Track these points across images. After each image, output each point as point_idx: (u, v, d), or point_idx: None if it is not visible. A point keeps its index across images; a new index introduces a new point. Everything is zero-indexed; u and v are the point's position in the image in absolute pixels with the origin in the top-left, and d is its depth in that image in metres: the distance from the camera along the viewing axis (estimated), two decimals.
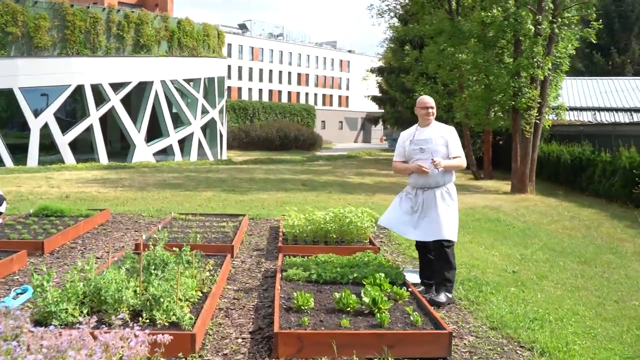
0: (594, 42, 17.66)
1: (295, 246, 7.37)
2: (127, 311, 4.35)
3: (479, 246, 8.74)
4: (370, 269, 5.83)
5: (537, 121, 17.01)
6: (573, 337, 4.80)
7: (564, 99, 26.16)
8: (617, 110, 28.41)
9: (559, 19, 16.67)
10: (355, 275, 5.72)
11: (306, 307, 4.77)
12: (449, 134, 5.81)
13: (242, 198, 13.84)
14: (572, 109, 27.64)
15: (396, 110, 31.30)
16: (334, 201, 13.86)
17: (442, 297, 5.58)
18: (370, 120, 40.40)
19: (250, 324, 4.88)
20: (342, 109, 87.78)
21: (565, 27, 17.05)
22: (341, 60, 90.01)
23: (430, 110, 5.84)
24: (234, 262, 7.11)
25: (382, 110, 48.87)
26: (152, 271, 4.83)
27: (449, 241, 5.63)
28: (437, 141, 5.74)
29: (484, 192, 17.06)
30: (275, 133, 47.20)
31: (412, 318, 4.58)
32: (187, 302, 4.67)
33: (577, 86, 31.00)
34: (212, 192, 15.01)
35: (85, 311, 4.33)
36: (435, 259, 5.75)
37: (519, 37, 16.93)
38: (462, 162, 5.82)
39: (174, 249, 5.31)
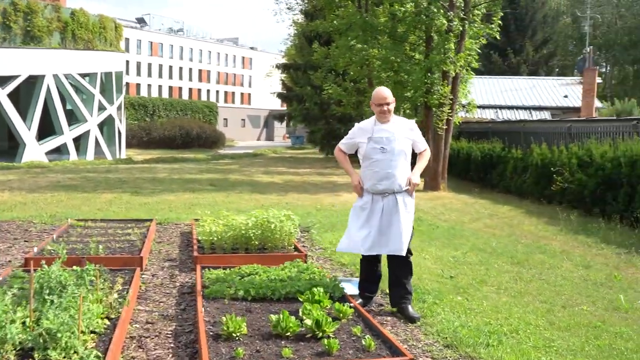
0: (498, 38, 17.84)
1: (213, 255, 6.56)
2: (14, 351, 3.45)
3: None
4: (304, 282, 5.15)
5: (449, 118, 16.94)
6: (536, 353, 4.34)
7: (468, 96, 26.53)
8: (517, 108, 29.25)
9: (470, 16, 16.67)
10: (288, 289, 5.03)
11: (238, 334, 4.02)
12: (413, 130, 5.24)
13: (147, 200, 12.79)
14: (465, 106, 28.17)
15: (304, 107, 30.76)
16: (246, 202, 13.09)
17: (415, 311, 5.13)
18: (277, 117, 39.66)
19: (170, 356, 4.08)
20: (244, 107, 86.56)
21: (476, 24, 17.08)
22: (243, 57, 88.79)
23: (386, 107, 5.10)
24: (143, 275, 6.22)
25: (285, 108, 48.42)
26: (47, 297, 3.91)
27: (409, 250, 5.15)
28: (401, 141, 5.10)
29: None
30: (177, 131, 45.53)
31: (363, 342, 3.94)
32: (92, 335, 3.81)
33: (478, 85, 31.67)
34: (113, 194, 13.83)
35: None
36: (397, 270, 5.19)
37: (430, 34, 16.78)
38: (429, 153, 5.35)
39: (74, 267, 4.40)
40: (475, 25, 17.13)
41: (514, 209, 12.74)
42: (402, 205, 5.07)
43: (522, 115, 28.72)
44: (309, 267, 5.75)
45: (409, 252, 5.15)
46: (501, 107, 29.42)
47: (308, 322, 4.07)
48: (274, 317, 4.13)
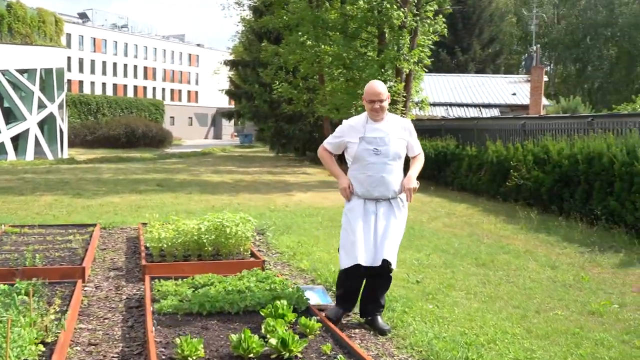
0: (446, 35, 17.73)
1: (164, 264, 6.05)
2: None
3: None
4: (265, 294, 4.72)
5: (403, 115, 16.72)
6: None
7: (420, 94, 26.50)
8: (467, 105, 29.41)
9: (422, 12, 16.51)
10: (247, 302, 4.58)
11: (195, 357, 3.56)
12: (409, 130, 4.74)
13: (90, 203, 12.08)
14: (418, 103, 28.18)
15: (253, 105, 30.16)
16: (196, 203, 12.54)
17: (385, 322, 4.72)
18: (225, 115, 38.91)
19: None
20: (191, 105, 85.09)
21: (428, 21, 16.93)
22: (190, 54, 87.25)
23: (379, 105, 4.55)
24: (86, 288, 5.67)
25: (233, 106, 47.60)
26: None
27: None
28: (396, 142, 4.58)
29: None
30: (122, 129, 44.22)
31: None
32: None
33: (428, 82, 31.72)
34: (54, 196, 13.05)
35: None
36: (375, 283, 4.74)
37: (383, 30, 16.53)
38: (423, 157, 4.89)
39: (2, 285, 3.85)
40: (427, 22, 16.98)
41: (470, 207, 12.57)
42: (398, 212, 4.63)
43: (472, 112, 28.88)
44: (269, 275, 5.31)
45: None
46: (451, 105, 29.52)
47: (273, 341, 3.64)
48: (234, 336, 3.69)
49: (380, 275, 4.66)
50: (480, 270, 7.01)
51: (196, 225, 6.28)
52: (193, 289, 4.91)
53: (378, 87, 4.63)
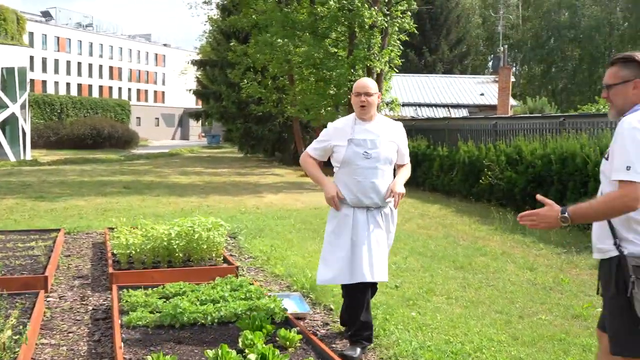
0: (416, 32, 17.65)
1: (132, 272, 5.76)
2: None
3: None
4: (240, 304, 4.47)
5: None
6: None
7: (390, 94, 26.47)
8: (435, 105, 29.46)
9: (393, 12, 16.40)
10: (223, 313, 4.34)
11: None
12: (400, 135, 4.37)
13: (54, 206, 11.66)
14: (388, 104, 28.17)
15: (221, 105, 29.72)
16: (164, 206, 12.21)
17: (357, 351, 4.17)
18: (193, 116, 38.35)
19: None
20: (158, 105, 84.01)
21: (398, 21, 16.82)
22: (156, 54, 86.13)
23: (365, 98, 4.14)
24: (49, 298, 5.35)
25: (200, 106, 46.97)
26: None
27: None
28: (387, 145, 4.21)
29: (322, 190, 16.24)
30: (87, 130, 43.30)
31: None
32: None
33: (397, 83, 31.70)
34: (15, 199, 12.57)
35: None
36: (362, 300, 4.41)
37: (354, 29, 16.37)
38: (410, 168, 4.55)
39: None
40: (397, 21, 16.88)
41: (443, 208, 12.47)
42: (391, 224, 4.36)
43: (441, 112, 28.95)
44: (243, 283, 5.07)
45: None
46: (420, 105, 29.54)
47: (252, 356, 3.41)
48: (210, 352, 3.44)
49: (366, 287, 4.32)
50: (459, 274, 6.86)
51: (166, 231, 5.99)
52: (164, 299, 4.64)
53: (366, 80, 4.33)
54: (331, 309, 5.32)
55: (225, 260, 6.33)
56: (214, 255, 6.27)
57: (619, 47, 51.75)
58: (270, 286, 6.06)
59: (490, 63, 52.57)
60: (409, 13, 17.06)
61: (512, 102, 31.23)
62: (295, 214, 11.39)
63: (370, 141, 4.16)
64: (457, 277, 6.67)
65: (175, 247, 5.90)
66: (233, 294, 4.76)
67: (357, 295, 4.29)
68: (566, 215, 2.63)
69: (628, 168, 2.55)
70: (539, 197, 2.77)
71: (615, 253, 2.69)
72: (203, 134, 75.49)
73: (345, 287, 4.30)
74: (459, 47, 44.56)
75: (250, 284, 5.13)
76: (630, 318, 2.60)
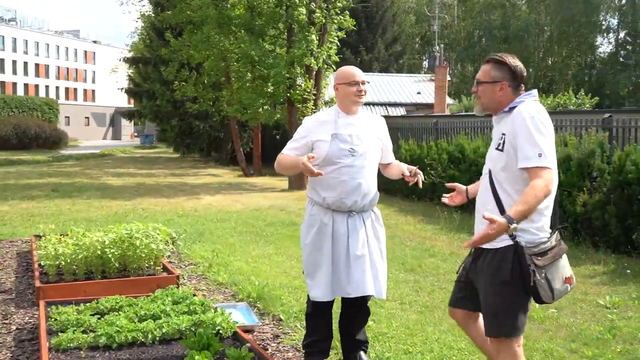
0: (354, 29, 17.47)
1: (62, 284, 5.26)
2: None
3: (290, 260, 7.38)
4: (184, 319, 4.08)
5: (313, 114, 16.32)
6: None
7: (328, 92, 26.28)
8: (373, 104, 29.45)
9: (331, 8, 16.17)
10: (165, 330, 3.94)
11: None
12: (384, 131, 3.94)
13: None
14: (328, 102, 28.01)
15: (155, 104, 28.81)
16: (96, 210, 11.59)
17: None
18: (125, 115, 37.11)
19: None
20: (88, 104, 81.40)
21: (337, 18, 16.60)
22: (85, 51, 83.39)
23: (363, 88, 3.72)
24: None
25: (133, 105, 45.64)
26: None
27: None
28: (373, 141, 3.79)
29: (261, 190, 15.91)
30: (12, 130, 41.35)
31: None
32: None
33: (333, 81, 31.59)
34: None
35: None
36: (353, 315, 4.00)
37: (292, 26, 16.03)
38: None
39: None
40: (336, 18, 16.65)
41: (386, 207, 12.29)
42: (379, 229, 3.88)
43: (379, 111, 28.96)
44: (186, 294, 4.67)
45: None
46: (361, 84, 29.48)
47: None
48: None
49: (353, 305, 3.94)
50: (409, 276, 6.66)
51: (100, 238, 5.52)
52: (98, 316, 4.21)
53: (356, 68, 3.81)
54: (280, 320, 5.00)
55: (165, 268, 5.89)
56: (152, 263, 5.82)
57: (547, 47, 53.45)
58: (214, 296, 5.68)
59: (426, 62, 53.27)
60: (347, 12, 16.88)
61: (449, 100, 31.61)
62: (236, 216, 11.00)
63: (356, 136, 3.71)
64: (408, 280, 6.46)
65: (110, 256, 5.43)
66: (175, 307, 4.37)
67: (326, 318, 3.94)
68: (515, 224, 2.66)
69: (540, 155, 2.73)
70: (486, 215, 2.68)
71: (508, 242, 2.83)
72: (136, 134, 73.70)
73: (314, 304, 3.87)
74: (394, 46, 44.85)
75: (194, 295, 4.75)
76: (520, 303, 2.89)
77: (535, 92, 2.99)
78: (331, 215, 3.72)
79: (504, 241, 2.84)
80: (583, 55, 54.15)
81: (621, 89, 48.52)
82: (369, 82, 3.89)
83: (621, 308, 5.57)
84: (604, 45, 73.68)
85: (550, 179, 2.76)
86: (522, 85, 3.00)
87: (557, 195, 2.95)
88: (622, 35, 53.28)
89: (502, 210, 2.85)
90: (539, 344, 4.57)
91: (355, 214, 3.73)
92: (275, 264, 7.07)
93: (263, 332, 4.70)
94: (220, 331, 4.00)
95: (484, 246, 2.92)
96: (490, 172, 3.00)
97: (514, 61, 2.97)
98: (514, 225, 2.65)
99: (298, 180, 16.02)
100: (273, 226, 9.90)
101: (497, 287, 2.89)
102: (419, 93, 31.87)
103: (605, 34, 54.59)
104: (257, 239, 8.77)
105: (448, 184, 3.46)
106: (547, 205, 2.90)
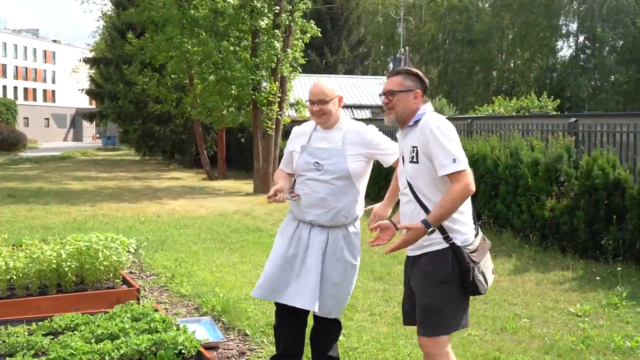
0: (319, 35, 17.32)
1: (12, 301, 4.94)
2: None
3: (255, 268, 7.16)
4: (144, 339, 3.84)
5: (279, 117, 16.12)
6: None
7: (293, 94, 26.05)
8: None
9: (294, 11, 15.99)
10: (123, 351, 3.70)
11: None
12: (370, 142, 3.68)
13: None
14: (293, 105, 27.80)
15: (117, 105, 28.19)
16: (54, 216, 11.21)
17: None
18: (87, 116, 36.23)
19: None
20: (48, 105, 79.65)
21: (300, 21, 16.42)
22: (45, 51, 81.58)
23: (318, 107, 3.59)
24: None
25: (94, 106, 44.72)
26: None
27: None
28: (347, 157, 3.59)
29: (226, 195, 15.64)
30: None
31: None
32: None
33: (298, 83, 31.33)
34: None
35: None
36: (320, 330, 3.86)
37: (256, 28, 15.77)
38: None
39: None
40: (299, 20, 16.46)
41: None
42: (345, 248, 3.68)
43: (344, 113, 28.86)
44: (147, 310, 4.42)
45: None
46: (317, 102, 29.32)
47: None
48: None
49: (320, 318, 3.78)
50: (378, 285, 6.52)
51: (56, 252, 5.22)
52: (51, 337, 3.94)
53: (321, 84, 3.67)
54: (247, 334, 4.80)
55: (125, 281, 5.61)
56: (111, 276, 5.54)
57: (509, 50, 54.16)
58: (176, 309, 5.45)
59: (391, 64, 53.47)
60: (312, 21, 16.73)
61: None
62: (200, 222, 10.75)
63: (325, 150, 3.62)
64: (377, 290, 6.32)
65: (66, 269, 5.14)
66: (135, 324, 4.11)
67: (294, 332, 3.82)
68: (432, 228, 2.90)
69: (454, 160, 2.93)
70: (400, 226, 3.08)
71: (444, 245, 3.01)
72: (98, 135, 72.46)
73: (276, 312, 3.84)
74: (359, 48, 44.92)
75: (155, 311, 4.49)
76: (460, 300, 3.06)
77: (430, 104, 3.20)
78: (296, 224, 3.72)
79: (439, 244, 3.02)
80: (545, 58, 55.08)
81: (582, 91, 49.43)
82: (329, 101, 3.63)
83: (592, 316, 5.51)
84: (565, 49, 75.01)
85: (469, 181, 2.96)
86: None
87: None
88: (581, 39, 54.35)
89: None
90: (513, 356, 4.47)
91: (316, 227, 3.64)
92: (241, 274, 6.86)
93: (228, 349, 4.49)
94: (183, 351, 3.77)
95: (418, 252, 3.09)
96: (409, 184, 3.11)
97: (420, 72, 3.21)
98: (431, 228, 2.89)
99: (263, 184, 15.80)
100: (238, 232, 9.68)
101: (436, 287, 3.01)
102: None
103: (565, 38, 55.62)
104: (221, 246, 8.54)
105: (370, 226, 3.46)
106: (468, 205, 3.11)
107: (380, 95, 3.25)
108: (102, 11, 34.25)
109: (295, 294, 3.59)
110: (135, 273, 6.75)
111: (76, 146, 55.48)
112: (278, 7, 15.50)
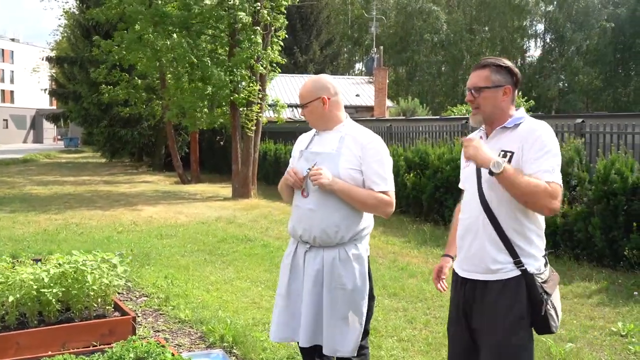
0: (285, 36, 16.67)
1: None
2: None
3: (255, 285, 6.50)
4: None
5: (258, 118, 15.42)
6: None
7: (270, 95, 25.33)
8: None
9: (275, 7, 15.30)
10: None
11: None
12: (366, 154, 3.08)
13: None
14: (272, 105, 27.12)
15: (81, 106, 27.01)
16: (22, 226, 10.35)
17: None
18: (50, 118, 34.83)
19: None
20: (7, 105, 77.11)
21: (281, 17, 15.73)
22: (3, 50, 79.04)
23: (303, 113, 3.24)
24: None
25: (56, 107, 43.28)
26: None
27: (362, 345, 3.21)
28: (341, 165, 3.05)
29: (204, 200, 14.87)
30: None
31: None
32: None
33: (273, 83, 30.66)
34: None
35: None
36: None
37: (235, 26, 15.02)
38: (387, 202, 3.06)
39: None
40: (279, 17, 15.77)
41: None
42: (343, 272, 3.05)
43: (346, 115, 28.34)
44: (152, 348, 3.72)
45: (360, 347, 3.17)
46: (297, 106, 28.70)
47: None
48: None
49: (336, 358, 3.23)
50: (395, 303, 5.90)
51: (36, 275, 4.47)
52: None
53: (302, 87, 3.30)
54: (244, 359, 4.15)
55: (117, 307, 4.88)
56: (100, 301, 4.81)
57: (478, 51, 54.22)
58: (178, 339, 4.76)
59: (361, 64, 53.08)
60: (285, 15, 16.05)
61: (388, 103, 31.28)
62: (182, 231, 10.01)
63: (318, 155, 3.15)
64: (397, 309, 5.71)
65: (49, 297, 4.41)
66: None
67: (307, 358, 3.32)
68: (498, 171, 2.44)
69: (553, 170, 2.53)
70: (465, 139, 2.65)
71: (515, 272, 2.58)
72: (59, 137, 70.43)
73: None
74: (329, 47, 44.42)
75: (161, 346, 3.80)
76: (529, 338, 2.61)
77: (523, 109, 2.77)
78: (295, 245, 3.23)
79: (510, 271, 2.59)
80: (513, 59, 55.32)
81: (550, 91, 49.79)
82: (308, 105, 3.21)
83: (638, 337, 5.00)
84: (532, 49, 75.75)
85: (560, 198, 2.51)
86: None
87: None
88: (548, 40, 54.83)
89: (505, 239, 2.59)
90: None
91: (314, 248, 3.10)
92: (241, 292, 6.18)
93: None
94: None
95: (481, 277, 2.64)
96: (482, 194, 2.63)
97: (511, 64, 2.72)
98: (497, 170, 2.43)
99: (242, 187, 15.08)
100: (226, 242, 8.98)
101: (514, 324, 2.57)
102: (357, 95, 31.39)
103: (533, 39, 56.04)
104: (212, 259, 7.84)
105: (437, 280, 3.06)
106: (543, 228, 2.70)
107: (468, 89, 2.71)
108: (64, 9, 32.86)
109: (300, 331, 3.14)
110: (123, 294, 6.01)
111: (37, 148, 53.69)
112: (259, 4, 14.79)
